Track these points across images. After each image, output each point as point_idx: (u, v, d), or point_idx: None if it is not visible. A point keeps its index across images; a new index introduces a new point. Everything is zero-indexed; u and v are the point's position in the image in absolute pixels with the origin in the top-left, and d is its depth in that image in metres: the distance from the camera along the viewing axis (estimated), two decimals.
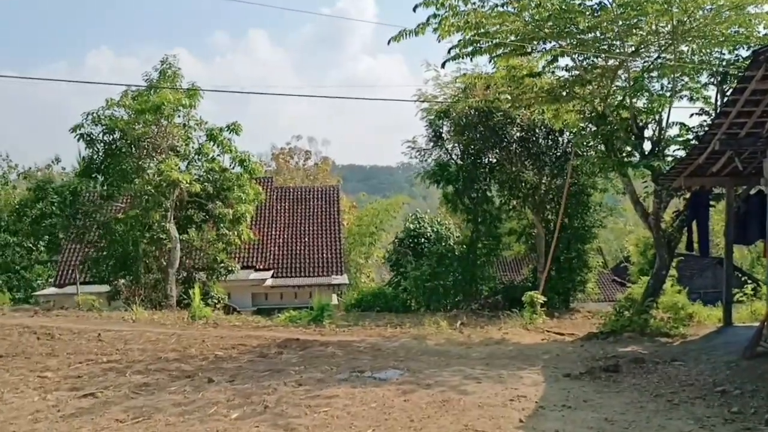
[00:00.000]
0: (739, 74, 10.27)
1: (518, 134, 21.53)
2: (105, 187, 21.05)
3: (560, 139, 21.57)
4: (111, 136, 20.73)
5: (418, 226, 27.56)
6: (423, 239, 26.50)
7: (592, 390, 8.90)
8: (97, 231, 21.74)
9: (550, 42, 14.56)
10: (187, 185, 20.22)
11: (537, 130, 21.30)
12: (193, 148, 21.89)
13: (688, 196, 14.27)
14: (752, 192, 12.53)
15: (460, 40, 13.73)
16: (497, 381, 9.24)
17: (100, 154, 20.82)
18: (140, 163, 20.52)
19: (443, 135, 22.80)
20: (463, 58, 14.05)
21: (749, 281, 16.72)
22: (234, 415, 7.31)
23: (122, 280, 20.41)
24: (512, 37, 14.12)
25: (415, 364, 10.59)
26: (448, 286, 22.29)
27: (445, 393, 8.44)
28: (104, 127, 20.53)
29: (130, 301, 18.53)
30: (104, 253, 21.33)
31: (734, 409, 7.76)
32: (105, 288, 21.78)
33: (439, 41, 13.62)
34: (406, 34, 13.73)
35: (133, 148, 20.56)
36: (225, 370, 9.97)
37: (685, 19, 13.49)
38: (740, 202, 12.79)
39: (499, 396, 8.32)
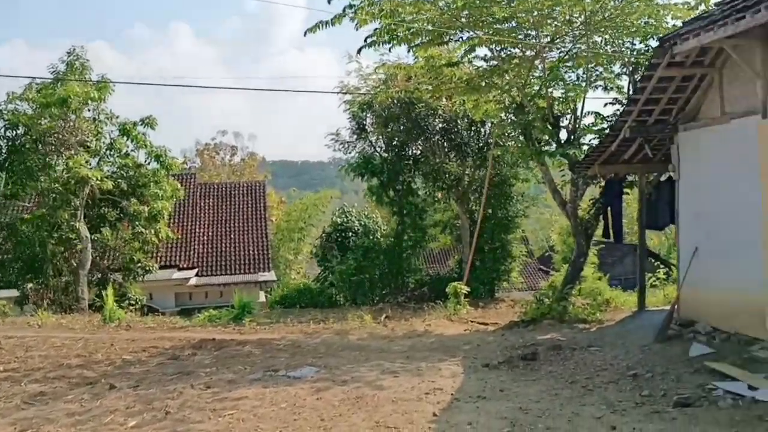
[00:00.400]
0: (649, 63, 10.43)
1: (440, 125, 21.53)
2: (9, 186, 19.85)
3: (482, 129, 21.69)
4: (14, 132, 19.57)
5: (345, 220, 27.29)
6: (350, 233, 26.24)
7: (509, 379, 8.85)
8: (1, 233, 20.50)
9: (467, 32, 14.51)
10: (99, 182, 19.30)
11: (459, 121, 21.33)
12: (104, 143, 20.90)
13: (603, 183, 14.49)
14: (663, 178, 12.79)
15: (376, 29, 13.51)
16: (415, 374, 9.08)
17: (3, 150, 19.63)
18: (47, 159, 19.45)
19: (367, 127, 22.60)
20: (379, 46, 13.83)
21: (662, 266, 17.20)
22: (131, 423, 6.88)
23: (30, 284, 19.32)
24: (429, 26, 13.99)
25: (333, 360, 10.33)
26: (374, 279, 22.14)
27: (360, 389, 8.22)
28: (6, 122, 19.37)
29: (39, 305, 17.55)
30: (10, 255, 20.15)
31: (645, 393, 7.83)
32: (16, 293, 20.59)
33: (357, 29, 13.38)
34: (323, 25, 13.42)
35: (39, 144, 19.46)
36: (131, 375, 9.46)
37: (597, 9, 13.66)
38: (652, 189, 13.03)
39: (415, 390, 8.15)
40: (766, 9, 7.27)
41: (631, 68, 14.86)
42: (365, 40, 13.73)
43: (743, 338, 9.28)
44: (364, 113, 22.00)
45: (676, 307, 10.98)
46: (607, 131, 14.00)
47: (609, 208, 14.07)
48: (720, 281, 9.87)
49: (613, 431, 6.42)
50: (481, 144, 21.72)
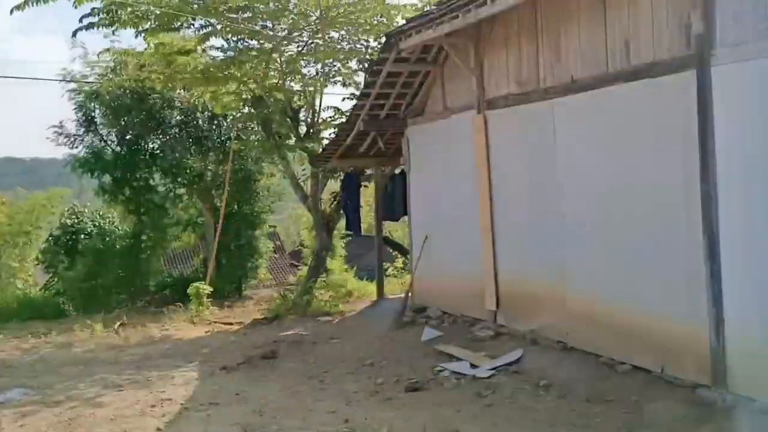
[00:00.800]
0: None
1: (178, 118, 20.35)
2: None
3: (224, 123, 20.93)
4: None
5: (76, 221, 24.75)
6: (82, 235, 23.84)
7: (247, 381, 8.50)
8: None
9: (201, 19, 13.84)
10: None
11: (199, 114, 20.35)
12: None
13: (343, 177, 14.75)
14: (397, 171, 13.29)
15: (94, 8, 12.28)
16: (143, 386, 8.33)
17: None
18: None
19: (96, 119, 20.60)
20: (100, 28, 12.59)
21: (402, 255, 18.08)
22: None
23: None
24: (157, 11, 13.06)
25: (50, 378, 9.12)
26: (109, 285, 20.30)
27: (75, 409, 7.28)
28: None
29: None
30: None
31: (379, 381, 7.97)
32: None
33: (76, 7, 12.00)
34: (32, 3, 11.83)
35: None
36: None
37: (331, 5, 13.83)
38: (387, 181, 13.49)
39: (140, 403, 7.42)
40: (476, 9, 7.72)
41: (366, 65, 15.28)
42: (81, 21, 12.43)
43: (468, 319, 9.91)
44: (92, 104, 20.04)
45: (410, 294, 11.44)
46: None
47: (348, 202, 14.35)
48: (447, 266, 10.45)
49: (346, 423, 6.36)
50: (223, 138, 20.93)
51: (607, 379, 6.82)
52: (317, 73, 15.49)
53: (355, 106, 11.59)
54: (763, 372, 5.51)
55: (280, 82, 14.66)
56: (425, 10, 11.34)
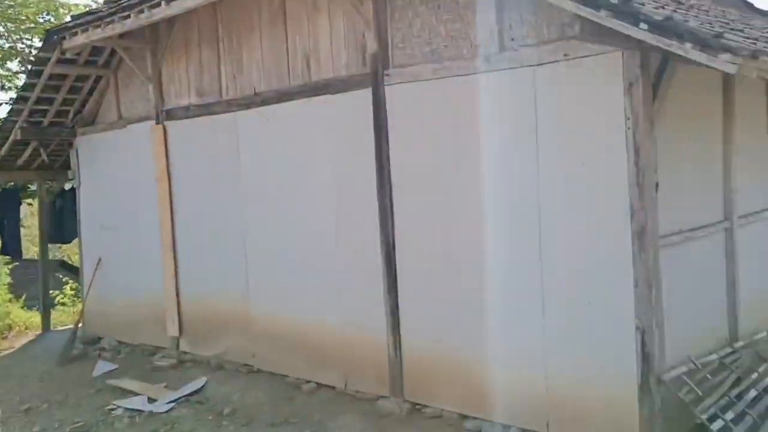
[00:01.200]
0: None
1: None
2: None
3: None
4: None
5: None
6: None
7: None
8: None
9: None
10: None
11: None
12: None
13: None
14: (67, 187, 11.83)
15: None
16: None
17: None
18: None
19: None
20: None
21: (75, 281, 16.19)
22: None
23: None
24: None
25: None
26: None
27: None
28: None
29: None
30: None
31: (37, 429, 6.86)
32: None
33: None
34: None
35: None
36: None
37: None
38: (56, 198, 11.95)
39: None
40: (150, 10, 7.11)
41: (30, 67, 13.55)
42: None
43: (148, 348, 9.13)
44: None
45: (80, 324, 10.19)
46: None
47: (5, 221, 12.43)
48: (125, 292, 9.50)
49: None
50: None
51: (293, 400, 6.67)
52: None
53: (11, 111, 10.01)
54: (432, 379, 5.81)
55: None
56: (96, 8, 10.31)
